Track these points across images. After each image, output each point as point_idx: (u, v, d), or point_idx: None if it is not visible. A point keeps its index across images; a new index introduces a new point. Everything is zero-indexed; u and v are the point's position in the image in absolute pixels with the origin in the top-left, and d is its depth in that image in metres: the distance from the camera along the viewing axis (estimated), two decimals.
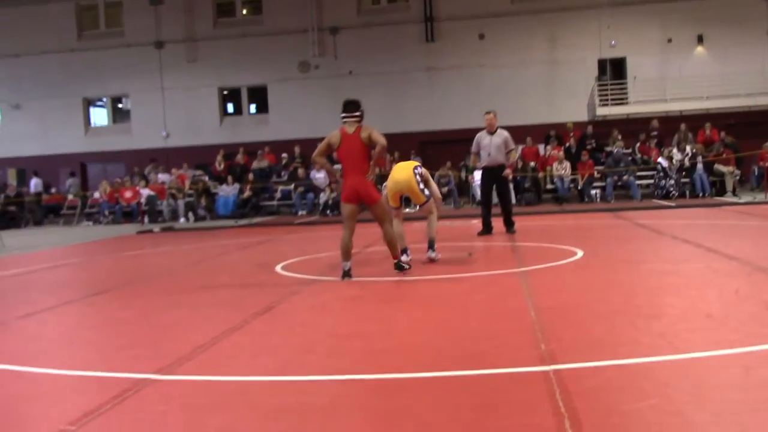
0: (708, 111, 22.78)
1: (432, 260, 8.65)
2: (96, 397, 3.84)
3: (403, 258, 8.16)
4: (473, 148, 12.00)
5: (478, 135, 11.91)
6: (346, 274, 7.70)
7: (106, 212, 21.96)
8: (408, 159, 22.53)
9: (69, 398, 4.02)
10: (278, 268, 8.89)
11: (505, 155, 11.71)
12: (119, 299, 7.45)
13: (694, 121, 21.90)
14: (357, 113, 7.75)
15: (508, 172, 11.91)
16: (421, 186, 8.60)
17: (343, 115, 7.79)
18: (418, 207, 9.17)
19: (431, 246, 8.73)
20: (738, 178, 19.74)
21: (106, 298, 7.52)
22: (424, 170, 8.88)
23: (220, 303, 6.82)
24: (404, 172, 8.61)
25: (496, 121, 11.80)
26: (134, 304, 7.01)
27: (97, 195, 22.92)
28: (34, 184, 24.53)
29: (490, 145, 11.62)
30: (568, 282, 7.06)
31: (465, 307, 6.05)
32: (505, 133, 11.74)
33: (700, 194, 18.97)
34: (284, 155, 23.12)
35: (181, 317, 6.19)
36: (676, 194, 19.08)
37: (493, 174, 11.79)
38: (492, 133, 11.70)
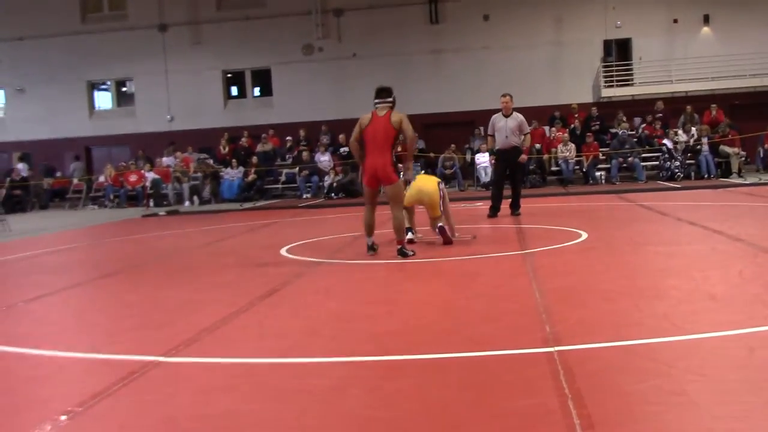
0: (713, 92, 22.66)
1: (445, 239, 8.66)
2: (103, 379, 3.88)
3: (409, 235, 8.28)
4: (489, 130, 12.05)
5: (494, 117, 11.92)
6: (371, 248, 8.09)
7: (111, 196, 22.00)
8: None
9: (76, 380, 4.06)
10: (283, 251, 8.91)
11: (520, 138, 11.72)
12: (125, 282, 7.49)
13: (700, 102, 21.80)
14: (390, 99, 8.06)
15: (524, 157, 11.95)
16: (441, 208, 8.69)
17: (377, 100, 8.08)
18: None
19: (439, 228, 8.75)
20: (744, 159, 19.68)
21: (113, 281, 7.56)
22: (444, 188, 8.97)
23: (225, 285, 6.85)
24: (431, 184, 8.77)
25: (512, 104, 11.82)
26: (141, 287, 7.06)
27: (102, 179, 22.96)
28: (21, 168, 24.37)
29: (506, 128, 11.65)
30: (572, 264, 7.07)
31: (470, 289, 6.07)
32: (520, 117, 11.77)
33: (706, 176, 18.92)
34: (288, 138, 23.12)
35: (187, 300, 6.22)
36: (682, 176, 19.03)
37: (507, 156, 11.79)
38: (507, 115, 11.72)
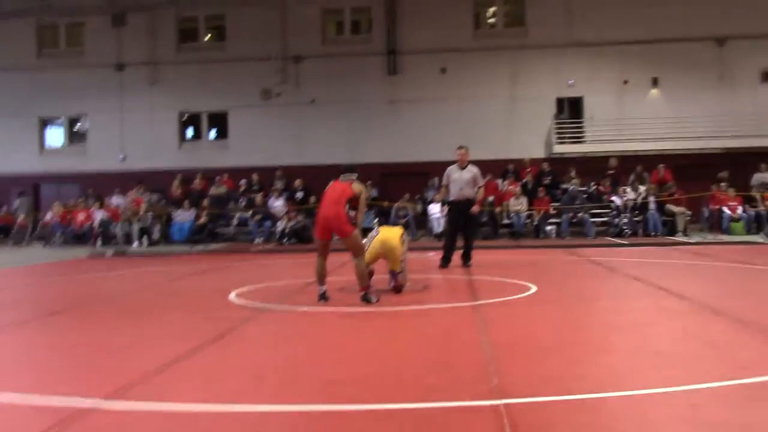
0: (662, 152, 23.32)
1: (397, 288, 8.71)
2: (40, 423, 3.75)
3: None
4: (444, 181, 12.16)
5: (449, 169, 12.06)
6: (322, 296, 8.11)
7: (58, 234, 21.53)
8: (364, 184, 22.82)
9: (12, 425, 3.91)
10: (232, 296, 8.80)
11: (474, 191, 11.86)
12: (69, 321, 7.30)
13: (649, 161, 22.41)
14: (354, 175, 8.64)
15: (476, 208, 12.09)
16: (402, 261, 8.76)
17: (342, 176, 8.58)
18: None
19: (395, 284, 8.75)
20: (689, 218, 20.21)
21: (56, 321, 7.36)
22: (405, 238, 9.11)
23: (172, 328, 6.72)
24: (395, 239, 8.77)
25: (468, 157, 12.02)
26: (84, 327, 6.88)
27: (48, 217, 22.47)
28: None
29: (461, 180, 11.80)
30: (521, 316, 7.12)
31: (419, 339, 6.06)
32: (476, 169, 11.97)
33: (653, 233, 19.36)
34: (242, 181, 23.03)
35: (131, 342, 6.08)
36: (630, 232, 19.44)
37: (461, 208, 11.90)
38: (462, 168, 11.91)
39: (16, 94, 26.32)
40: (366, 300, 7.89)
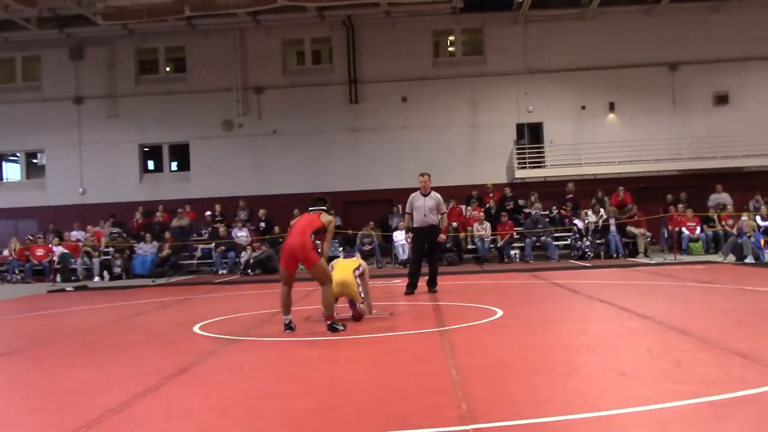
0: (620, 175, 23.72)
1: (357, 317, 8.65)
2: None
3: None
4: (407, 209, 12.16)
5: (412, 196, 12.09)
6: (288, 326, 7.98)
7: (16, 270, 21.06)
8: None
9: None
10: (196, 328, 8.67)
11: (437, 217, 11.89)
12: (27, 360, 7.11)
13: (608, 184, 22.76)
14: (324, 207, 8.55)
15: (442, 237, 12.18)
16: (361, 292, 8.73)
17: (312, 208, 8.52)
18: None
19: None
20: (649, 239, 20.50)
21: (13, 360, 7.16)
22: (364, 266, 9.07)
23: (134, 364, 6.58)
24: (345, 274, 8.67)
25: (430, 183, 12.05)
26: (43, 366, 6.70)
27: (6, 253, 22.00)
28: None
29: (424, 207, 11.82)
30: (487, 341, 7.12)
31: (387, 367, 6.01)
32: (438, 196, 12.03)
33: (614, 255, 19.60)
34: (207, 213, 22.84)
35: (92, 379, 5.94)
36: (592, 255, 19.66)
37: (425, 234, 11.92)
38: (426, 194, 11.93)
39: None
40: (332, 329, 7.83)
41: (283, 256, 8.23)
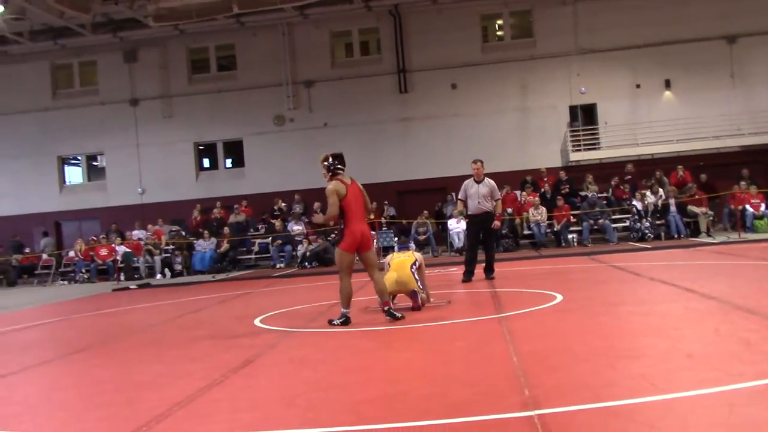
0: (678, 154, 23.18)
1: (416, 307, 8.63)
2: None
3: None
4: (460, 195, 12.09)
5: (466, 183, 11.99)
6: (347, 320, 7.85)
7: (82, 270, 21.68)
8: (383, 209, 22.85)
9: None
10: (257, 322, 8.79)
11: (492, 204, 11.81)
12: (95, 358, 7.31)
13: (666, 163, 22.26)
14: (343, 166, 8.13)
15: (497, 224, 12.07)
16: (419, 284, 8.72)
17: (341, 167, 8.08)
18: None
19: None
20: (711, 218, 19.98)
21: (82, 358, 7.38)
22: (420, 259, 9.03)
23: (198, 358, 6.71)
24: (403, 271, 8.70)
25: (483, 170, 11.95)
26: (111, 363, 6.89)
27: (71, 254, 22.66)
28: None
29: (478, 194, 11.73)
30: (548, 326, 7.04)
31: (447, 355, 6.00)
32: (492, 183, 11.91)
33: (675, 235, 19.16)
34: (279, 203, 23.03)
35: (158, 374, 6.07)
36: (652, 236, 19.27)
37: (479, 221, 11.85)
38: (479, 181, 11.83)
39: (33, 135, 26.72)
40: (391, 316, 7.82)
41: (350, 241, 7.84)
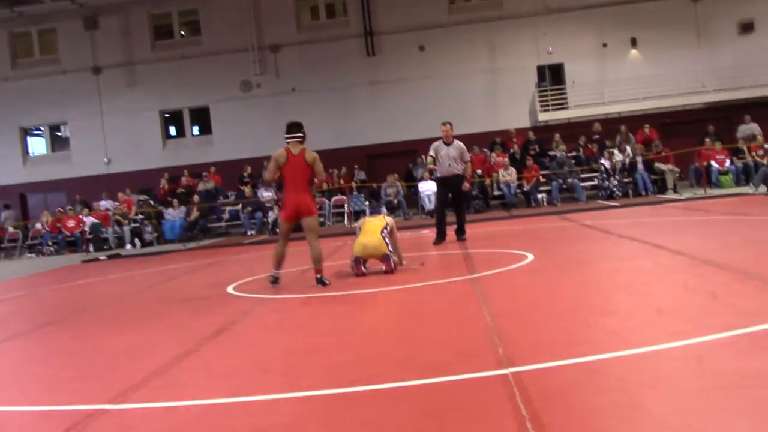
0: (645, 112, 23.36)
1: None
2: (51, 428, 3.71)
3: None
4: (431, 153, 11.96)
5: (435, 144, 11.91)
6: (276, 280, 8.37)
7: (49, 243, 21.41)
8: (353, 173, 22.79)
9: (23, 431, 3.88)
10: (230, 289, 8.77)
11: (461, 166, 11.79)
12: (67, 330, 7.25)
13: (633, 122, 22.44)
14: (299, 134, 8.36)
15: (467, 186, 12.06)
16: (390, 248, 8.72)
17: (287, 136, 8.37)
18: None
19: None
20: (678, 175, 20.24)
21: (54, 330, 7.31)
22: (391, 223, 9.02)
23: (171, 327, 6.69)
24: (373, 237, 8.72)
25: (453, 132, 11.87)
26: (83, 334, 6.83)
27: (38, 226, 22.34)
28: None
29: (448, 156, 11.67)
30: (520, 285, 7.12)
31: (421, 317, 6.05)
32: (461, 145, 11.85)
33: (643, 193, 19.40)
34: (248, 170, 22.86)
35: (132, 344, 6.04)
36: (620, 194, 19.49)
37: (449, 184, 11.84)
38: (448, 144, 11.76)
39: None
40: (321, 283, 8.10)
41: (285, 210, 8.34)
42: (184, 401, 4.10)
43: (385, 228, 8.85)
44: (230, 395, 4.14)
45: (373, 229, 8.84)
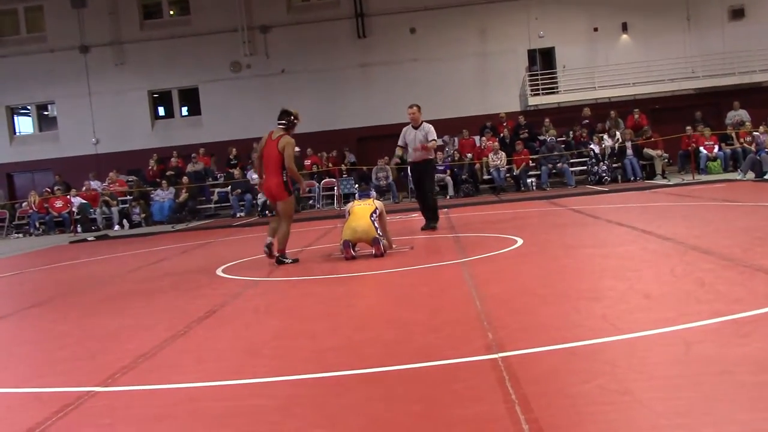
0: (635, 97, 23.40)
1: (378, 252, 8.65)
2: (36, 414, 3.71)
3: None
4: (399, 142, 11.60)
5: (404, 129, 11.55)
6: (268, 246, 8.86)
7: (37, 223, 21.28)
8: (343, 156, 22.74)
9: (7, 417, 3.87)
10: (219, 271, 8.76)
11: (432, 154, 11.51)
12: (55, 311, 7.22)
13: (623, 107, 22.48)
14: (283, 121, 8.87)
15: (425, 149, 11.24)
16: (379, 232, 8.70)
17: (278, 122, 8.94)
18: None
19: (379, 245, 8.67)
20: (666, 161, 20.31)
21: (42, 311, 7.28)
22: (380, 207, 9.00)
23: (161, 310, 6.68)
24: (362, 221, 8.69)
25: (420, 115, 11.33)
26: (71, 316, 6.81)
27: (25, 206, 22.20)
28: None
29: (415, 140, 11.21)
30: (510, 270, 7.14)
31: (411, 300, 6.06)
32: (428, 127, 11.28)
33: (632, 178, 19.46)
34: (233, 152, 22.79)
35: (121, 326, 6.03)
36: (609, 179, 19.54)
37: (419, 170, 11.50)
38: (416, 127, 11.29)
39: None
40: (280, 262, 8.68)
41: (264, 192, 9.24)
42: (173, 384, 4.11)
43: (375, 212, 8.84)
44: (219, 378, 4.14)
45: (363, 213, 8.83)
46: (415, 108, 11.37)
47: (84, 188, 21.90)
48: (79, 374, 4.52)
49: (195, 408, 3.66)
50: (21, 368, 5.00)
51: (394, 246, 9.14)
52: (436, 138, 11.48)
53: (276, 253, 8.76)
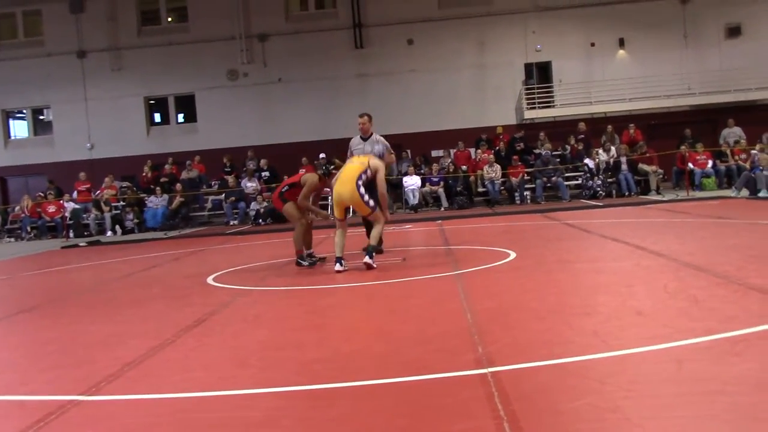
0: (631, 112, 23.46)
1: (369, 266, 8.37)
2: (18, 423, 3.65)
3: (337, 267, 8.28)
4: (348, 154, 10.10)
5: (352, 140, 10.34)
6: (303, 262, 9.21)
7: (29, 228, 21.18)
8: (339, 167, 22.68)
9: None
10: (210, 280, 8.70)
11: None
12: (43, 318, 7.15)
13: (618, 122, 22.53)
14: (323, 169, 9.56)
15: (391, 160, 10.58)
16: (366, 198, 8.38)
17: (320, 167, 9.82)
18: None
19: (369, 253, 8.45)
20: (661, 176, 20.34)
21: (29, 317, 7.21)
22: (375, 165, 8.56)
23: (149, 317, 6.61)
24: (348, 185, 8.34)
25: (371, 126, 10.20)
26: (59, 323, 6.74)
27: (18, 210, 22.10)
28: None
29: (363, 153, 9.66)
30: (502, 283, 7.10)
31: (401, 313, 6.01)
32: (380, 139, 10.16)
33: (626, 193, 19.47)
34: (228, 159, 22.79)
35: (108, 334, 5.96)
36: (603, 194, 19.56)
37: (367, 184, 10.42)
38: (366, 138, 10.08)
39: None
40: (299, 264, 9.05)
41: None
42: (160, 394, 4.05)
43: (365, 172, 8.31)
44: (206, 389, 4.08)
45: (350, 176, 8.29)
46: (365, 117, 10.28)
47: (81, 186, 21.87)
48: (64, 382, 4.46)
49: (180, 419, 3.60)
50: (6, 375, 4.93)
51: (389, 214, 8.80)
52: (389, 153, 10.39)
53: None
